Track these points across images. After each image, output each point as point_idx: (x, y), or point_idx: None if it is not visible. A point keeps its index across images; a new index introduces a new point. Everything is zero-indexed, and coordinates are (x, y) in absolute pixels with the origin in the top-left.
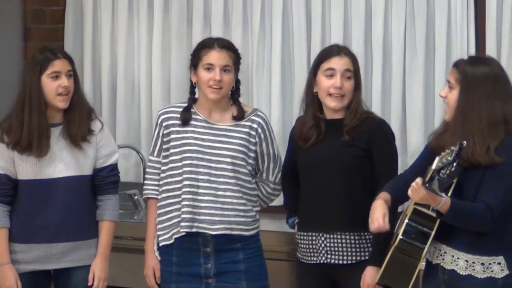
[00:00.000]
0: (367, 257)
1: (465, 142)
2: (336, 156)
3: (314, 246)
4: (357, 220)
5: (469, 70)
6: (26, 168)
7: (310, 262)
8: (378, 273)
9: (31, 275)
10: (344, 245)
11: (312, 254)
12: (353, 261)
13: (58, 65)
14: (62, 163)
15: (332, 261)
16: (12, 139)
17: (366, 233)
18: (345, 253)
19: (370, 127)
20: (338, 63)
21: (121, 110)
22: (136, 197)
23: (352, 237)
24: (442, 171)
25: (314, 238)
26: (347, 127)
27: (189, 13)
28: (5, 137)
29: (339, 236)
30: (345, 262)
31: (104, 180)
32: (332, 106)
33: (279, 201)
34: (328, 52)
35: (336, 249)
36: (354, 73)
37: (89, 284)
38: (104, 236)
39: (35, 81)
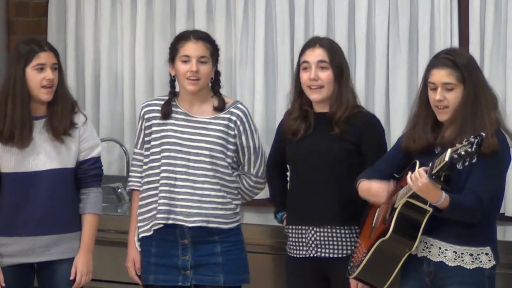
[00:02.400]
0: (352, 251)
1: (483, 133)
2: (325, 150)
3: (303, 240)
4: (347, 214)
5: (464, 64)
6: (8, 161)
7: (299, 256)
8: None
9: (14, 268)
10: (334, 238)
11: (301, 248)
12: (343, 255)
13: (44, 57)
14: (45, 155)
15: (322, 254)
16: (2, 134)
17: (356, 227)
18: (335, 247)
19: (361, 122)
20: (311, 55)
21: (105, 103)
22: (119, 190)
23: (342, 231)
24: (459, 163)
25: (303, 231)
26: (335, 119)
27: (172, 6)
28: None
29: (329, 230)
30: (335, 255)
31: (86, 173)
32: (312, 98)
33: (264, 194)
34: (305, 46)
35: (326, 242)
36: (331, 64)
37: (71, 278)
38: (87, 230)
39: (20, 72)
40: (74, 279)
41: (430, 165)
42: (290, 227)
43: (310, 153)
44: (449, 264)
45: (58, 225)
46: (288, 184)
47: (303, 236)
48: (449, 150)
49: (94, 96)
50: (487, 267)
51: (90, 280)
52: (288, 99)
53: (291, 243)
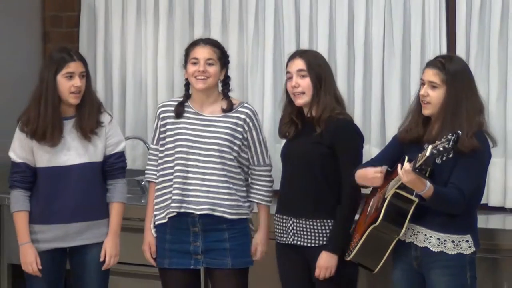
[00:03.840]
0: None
1: (460, 132)
2: (305, 152)
3: (284, 228)
4: (321, 209)
5: (451, 69)
6: (43, 157)
7: (281, 242)
8: (351, 253)
9: (49, 253)
10: (308, 229)
11: (283, 235)
12: (316, 244)
13: (73, 66)
14: (75, 151)
15: (299, 242)
16: (30, 130)
17: (328, 220)
18: (309, 236)
19: (336, 126)
20: (291, 65)
21: (130, 105)
22: (143, 182)
23: (315, 223)
24: (437, 157)
25: (284, 221)
26: (315, 120)
27: (190, 18)
28: (24, 128)
29: (303, 221)
30: (309, 244)
31: (112, 165)
32: (296, 103)
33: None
34: (288, 59)
35: (302, 232)
36: (308, 72)
37: (101, 260)
38: (114, 216)
39: (51, 78)
40: (104, 261)
41: (414, 159)
42: (276, 215)
43: (294, 154)
44: (433, 250)
45: (88, 213)
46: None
47: (284, 224)
48: (430, 146)
49: (120, 99)
50: (468, 253)
51: (117, 262)
52: (280, 107)
53: (276, 229)
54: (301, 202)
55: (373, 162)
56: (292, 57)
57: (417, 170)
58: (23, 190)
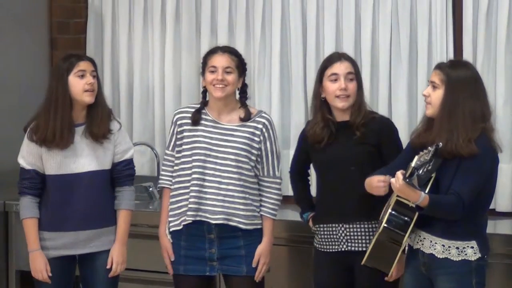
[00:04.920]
0: None
1: (441, 143)
2: (350, 154)
3: (334, 236)
4: (371, 211)
5: (453, 72)
6: (52, 164)
7: (330, 250)
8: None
9: (58, 260)
10: (361, 233)
11: (333, 243)
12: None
13: (83, 65)
14: (84, 159)
15: (353, 248)
16: (39, 137)
17: (377, 221)
18: (362, 240)
19: (379, 125)
20: (340, 67)
21: (137, 111)
22: (151, 189)
23: (367, 226)
24: (420, 169)
25: (334, 228)
26: (356, 124)
27: (197, 24)
28: (33, 136)
29: (356, 226)
30: (362, 249)
31: (120, 173)
32: (340, 106)
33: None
34: (330, 60)
35: (355, 237)
36: (356, 75)
37: (108, 267)
38: (122, 224)
39: (62, 82)
40: (111, 268)
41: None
42: (321, 225)
43: (337, 158)
44: (438, 256)
45: (97, 221)
46: (316, 188)
47: (334, 232)
48: (416, 157)
49: (128, 105)
50: (473, 259)
51: (124, 269)
52: (310, 111)
53: (322, 239)
54: (352, 206)
55: (389, 169)
56: (338, 59)
57: (407, 180)
58: (32, 197)
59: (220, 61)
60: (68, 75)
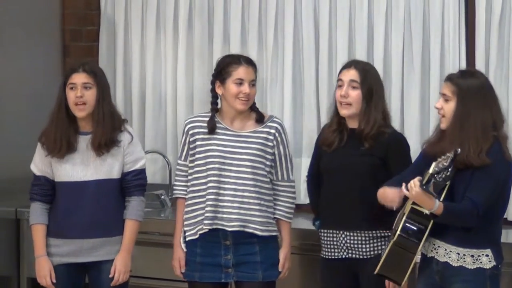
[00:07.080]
0: (380, 251)
1: (459, 149)
2: (355, 164)
3: (335, 243)
4: (373, 220)
5: (464, 83)
6: (61, 171)
7: (332, 257)
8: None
9: (64, 267)
10: (362, 241)
11: (334, 250)
12: (371, 256)
13: (75, 77)
14: (91, 167)
15: (353, 256)
16: (46, 146)
17: (381, 231)
18: (363, 249)
19: (388, 139)
20: (345, 74)
21: (150, 119)
22: (162, 196)
23: (369, 234)
24: (438, 175)
25: (335, 235)
26: (364, 135)
27: (210, 32)
28: (43, 145)
29: (357, 234)
30: (364, 257)
31: (130, 183)
32: (341, 114)
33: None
34: (343, 66)
35: (355, 245)
36: (361, 84)
37: (110, 276)
38: (127, 234)
39: (61, 93)
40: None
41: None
42: (323, 231)
43: (342, 165)
44: (453, 264)
45: (102, 230)
46: (321, 192)
47: (335, 239)
48: (433, 163)
49: (140, 113)
50: (488, 267)
51: (127, 278)
52: (328, 114)
53: (324, 245)
54: (353, 215)
55: (403, 177)
56: (347, 66)
57: (424, 187)
58: (42, 203)
59: (247, 74)
60: (65, 86)
